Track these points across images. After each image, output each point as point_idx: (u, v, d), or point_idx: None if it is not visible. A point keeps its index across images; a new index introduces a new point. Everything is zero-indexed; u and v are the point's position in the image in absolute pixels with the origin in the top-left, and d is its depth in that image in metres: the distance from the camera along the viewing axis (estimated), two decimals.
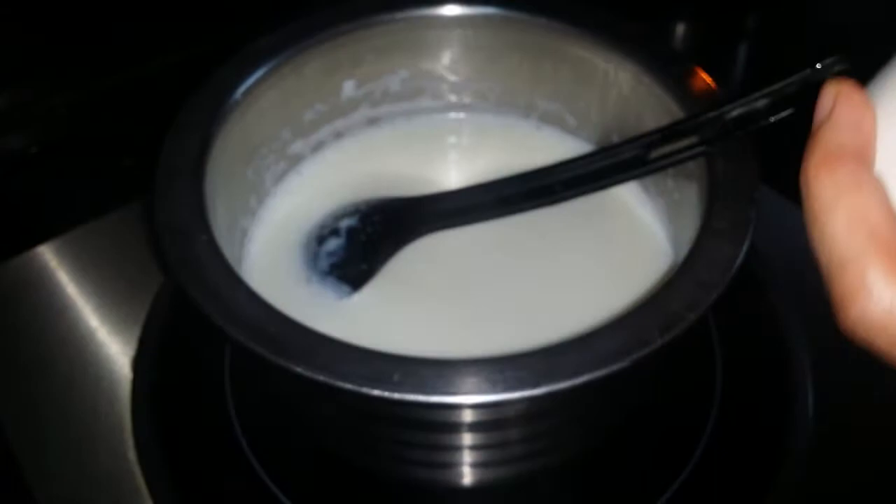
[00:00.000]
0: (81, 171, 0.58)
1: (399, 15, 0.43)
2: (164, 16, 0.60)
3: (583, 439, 0.41)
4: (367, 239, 0.42)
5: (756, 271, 0.45)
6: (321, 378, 0.29)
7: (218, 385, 0.42)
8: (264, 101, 0.41)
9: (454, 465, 0.40)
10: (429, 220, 0.42)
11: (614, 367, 0.29)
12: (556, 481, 0.40)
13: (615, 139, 0.45)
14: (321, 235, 0.42)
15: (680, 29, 0.73)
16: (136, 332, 0.45)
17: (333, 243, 0.42)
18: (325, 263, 0.41)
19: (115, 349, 0.45)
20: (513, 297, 0.40)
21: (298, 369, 0.29)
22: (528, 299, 0.40)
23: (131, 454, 0.41)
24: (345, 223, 0.42)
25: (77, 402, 0.43)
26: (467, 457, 0.39)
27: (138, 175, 0.56)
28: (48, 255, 0.50)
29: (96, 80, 0.60)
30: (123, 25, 0.58)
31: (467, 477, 0.40)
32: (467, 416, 0.35)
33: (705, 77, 0.40)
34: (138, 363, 0.43)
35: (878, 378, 0.42)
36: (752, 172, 0.35)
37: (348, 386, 0.29)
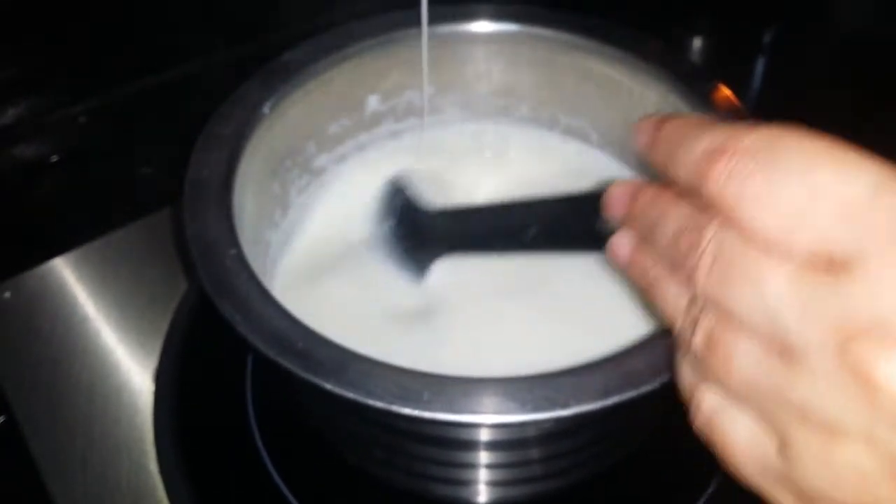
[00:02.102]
0: (100, 181, 0.58)
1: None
2: (182, 26, 0.60)
3: (605, 459, 0.40)
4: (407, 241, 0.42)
5: None
6: (350, 395, 0.29)
7: (239, 397, 0.42)
8: (291, 114, 0.41)
9: (474, 483, 0.40)
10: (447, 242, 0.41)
11: (644, 389, 0.29)
12: (578, 500, 0.40)
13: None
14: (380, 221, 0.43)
15: (697, 44, 0.73)
16: (157, 344, 0.45)
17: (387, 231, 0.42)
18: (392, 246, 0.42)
19: (137, 360, 0.45)
20: (537, 318, 0.40)
21: (328, 386, 0.29)
22: (552, 319, 0.40)
23: (153, 465, 0.41)
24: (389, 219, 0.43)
25: (99, 414, 0.43)
26: (488, 475, 0.39)
27: (157, 184, 0.57)
28: (68, 266, 0.50)
29: (115, 89, 0.60)
30: (142, 35, 0.59)
31: (485, 495, 0.40)
32: (493, 435, 0.34)
33: (730, 95, 0.40)
34: (160, 374, 0.43)
35: None
36: None
37: (378, 404, 0.29)
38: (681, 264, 0.22)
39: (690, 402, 0.23)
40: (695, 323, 0.22)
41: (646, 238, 0.24)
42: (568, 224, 0.33)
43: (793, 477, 0.20)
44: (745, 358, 0.20)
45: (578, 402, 0.29)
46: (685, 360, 0.23)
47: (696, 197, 0.22)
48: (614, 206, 0.26)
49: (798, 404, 0.19)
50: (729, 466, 0.22)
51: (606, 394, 0.29)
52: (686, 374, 0.23)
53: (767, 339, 0.20)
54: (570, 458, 0.39)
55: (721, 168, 0.21)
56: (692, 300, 0.22)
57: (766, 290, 0.19)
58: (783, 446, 0.20)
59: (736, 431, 0.21)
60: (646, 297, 0.25)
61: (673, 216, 0.23)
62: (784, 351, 0.19)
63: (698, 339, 0.22)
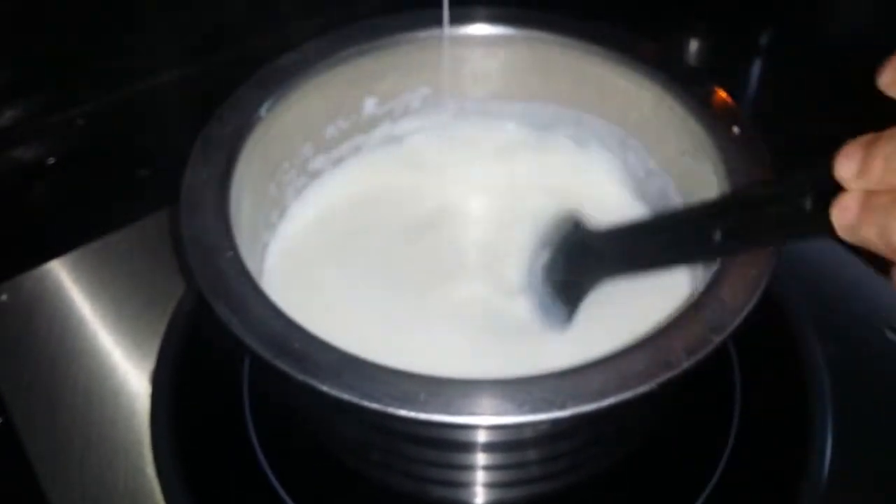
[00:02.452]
0: (97, 183, 0.58)
1: (421, 34, 0.44)
2: (180, 29, 0.60)
3: (603, 460, 0.40)
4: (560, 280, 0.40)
5: (775, 295, 0.45)
6: (347, 397, 0.29)
7: (236, 399, 0.42)
8: (288, 117, 0.41)
9: (472, 485, 0.40)
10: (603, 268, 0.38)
11: (641, 390, 0.29)
12: (575, 502, 0.40)
13: (641, 156, 0.45)
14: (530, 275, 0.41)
15: (693, 46, 0.73)
16: (154, 346, 0.45)
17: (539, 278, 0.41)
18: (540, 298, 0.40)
19: (134, 363, 0.45)
20: (534, 319, 0.40)
21: (324, 388, 0.29)
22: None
23: (149, 468, 0.40)
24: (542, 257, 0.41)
25: (95, 416, 0.43)
26: (485, 476, 0.39)
27: (154, 186, 0.57)
28: (66, 269, 0.50)
29: (113, 91, 0.60)
30: (140, 37, 0.59)
31: (482, 496, 0.40)
32: (490, 437, 0.35)
33: (727, 98, 0.40)
34: (157, 377, 0.43)
35: None
36: None
37: (375, 405, 0.29)
38: None
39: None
40: None
41: (886, 178, 0.24)
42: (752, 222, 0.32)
43: None
44: None
45: (575, 403, 0.29)
46: None
47: None
48: (848, 159, 0.25)
49: None
50: None
51: (603, 395, 0.29)
52: None
53: None
54: (567, 459, 0.39)
55: None
56: None
57: None
58: None
59: None
60: (878, 244, 0.24)
61: None
62: None
63: None
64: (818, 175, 0.26)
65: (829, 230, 0.26)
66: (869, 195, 0.25)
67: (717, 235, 0.32)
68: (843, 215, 0.25)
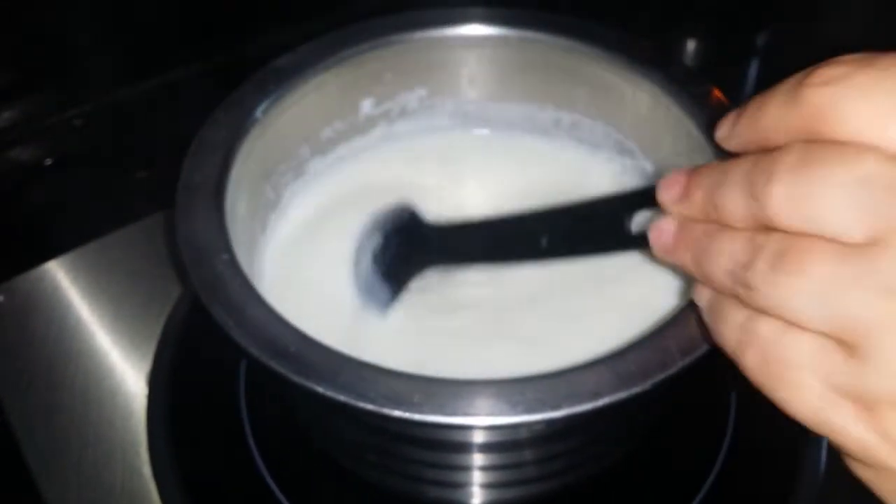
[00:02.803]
0: (95, 184, 0.58)
1: (418, 35, 0.44)
2: (177, 30, 0.60)
3: (598, 461, 0.41)
4: (392, 259, 0.41)
5: None
6: (342, 398, 0.29)
7: (233, 400, 0.42)
8: (284, 119, 0.41)
9: (468, 485, 0.40)
10: (435, 255, 0.40)
11: (635, 390, 0.29)
12: (571, 502, 0.40)
13: (637, 158, 0.45)
14: (359, 254, 0.42)
15: (689, 47, 0.73)
16: (151, 347, 0.45)
17: (366, 260, 0.41)
18: (363, 279, 0.41)
19: (131, 364, 0.45)
20: (529, 320, 0.40)
21: (320, 389, 0.29)
22: (543, 322, 0.40)
23: (146, 469, 0.41)
24: (373, 241, 0.42)
25: (92, 417, 0.43)
26: (481, 477, 0.39)
27: (152, 188, 0.57)
28: (63, 270, 0.50)
29: (110, 92, 0.60)
30: (138, 38, 0.59)
31: (479, 497, 0.40)
32: (485, 438, 0.35)
33: (723, 98, 0.40)
34: (153, 378, 0.43)
35: None
36: None
37: (370, 406, 0.29)
38: (745, 206, 0.22)
39: (740, 345, 0.23)
40: (757, 251, 0.22)
41: (704, 208, 0.25)
42: (585, 229, 0.34)
43: (861, 382, 0.21)
44: (820, 255, 0.21)
45: (570, 403, 0.29)
46: (730, 306, 0.24)
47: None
48: (671, 186, 0.26)
49: (881, 287, 0.20)
50: (789, 395, 0.22)
51: (598, 395, 0.29)
52: (733, 319, 0.24)
53: (846, 231, 0.20)
54: (562, 460, 0.39)
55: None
56: (752, 237, 0.22)
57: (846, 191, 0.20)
58: (853, 350, 0.21)
59: (800, 351, 0.22)
60: (691, 268, 0.26)
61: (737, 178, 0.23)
62: (867, 240, 0.20)
63: (765, 259, 0.22)
64: (642, 195, 0.28)
65: (647, 248, 0.28)
66: (687, 222, 0.26)
67: (545, 241, 0.34)
68: (659, 236, 0.27)
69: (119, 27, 0.58)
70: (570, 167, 0.47)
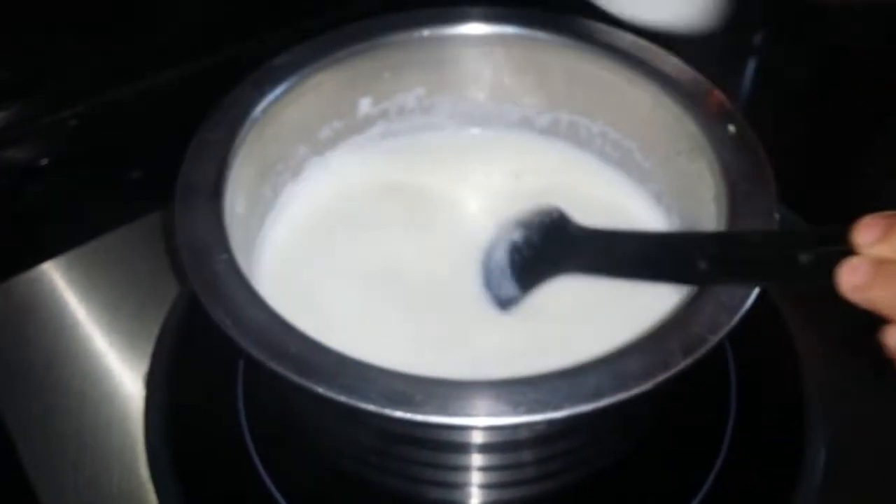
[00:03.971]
0: (91, 185, 0.58)
1: (415, 34, 0.44)
2: (173, 30, 0.60)
3: (598, 461, 0.40)
4: (524, 260, 0.40)
5: (772, 296, 0.45)
6: (342, 398, 0.29)
7: (231, 401, 0.42)
8: (282, 118, 0.41)
9: (467, 486, 0.40)
10: (581, 259, 0.39)
11: (637, 390, 0.29)
12: (570, 502, 0.40)
13: (636, 157, 0.45)
14: (493, 247, 0.41)
15: (688, 45, 0.73)
16: (148, 348, 0.45)
17: (497, 260, 0.41)
18: (495, 273, 0.40)
19: (127, 365, 0.45)
20: (531, 319, 0.40)
21: (319, 389, 0.29)
22: (545, 321, 0.40)
23: (144, 471, 0.40)
24: (513, 236, 0.41)
25: (89, 419, 0.43)
26: (481, 477, 0.39)
27: (147, 188, 0.57)
28: (59, 271, 0.50)
29: (105, 92, 0.60)
30: (132, 39, 0.59)
31: (478, 497, 0.40)
32: (486, 438, 0.34)
33: (722, 97, 0.40)
34: (151, 379, 0.43)
35: (892, 402, 0.43)
36: (771, 193, 0.36)
37: (370, 407, 0.29)
38: None
39: None
40: None
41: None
42: (749, 258, 0.33)
43: None
44: None
45: (571, 404, 0.29)
46: None
47: None
48: (870, 228, 0.27)
49: None
50: None
51: (598, 395, 0.29)
52: None
53: None
54: (562, 460, 0.39)
55: None
56: None
57: None
58: None
59: None
60: (886, 304, 0.27)
61: None
62: None
63: None
64: (825, 234, 0.29)
65: (820, 284, 0.28)
66: (882, 260, 0.27)
67: (703, 264, 0.33)
68: (853, 275, 0.27)
69: (113, 26, 0.58)
70: (567, 167, 0.47)
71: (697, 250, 0.34)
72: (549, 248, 0.40)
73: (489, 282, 0.40)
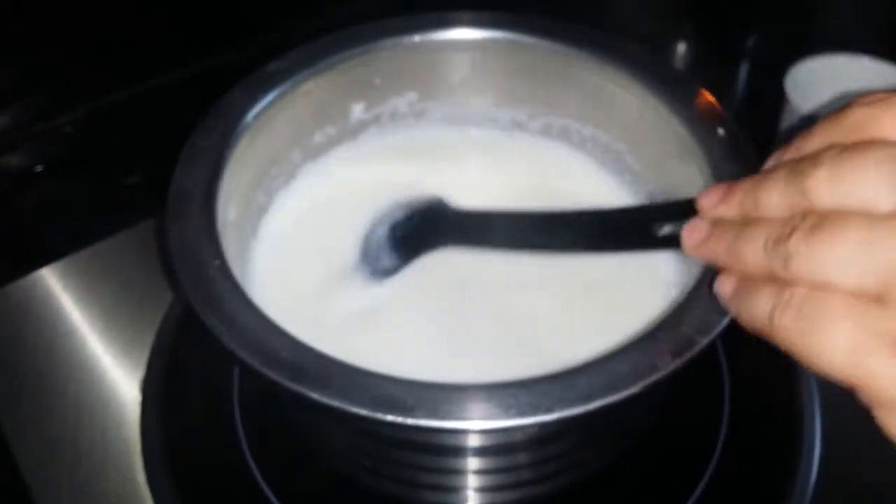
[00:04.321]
0: (86, 190, 0.58)
1: (407, 39, 0.44)
2: (167, 36, 0.60)
3: (592, 463, 0.41)
4: (402, 235, 0.42)
5: None
6: (335, 403, 0.29)
7: (226, 407, 0.42)
8: (275, 124, 0.41)
9: (462, 489, 0.40)
10: (457, 234, 0.42)
11: (627, 392, 0.29)
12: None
13: (626, 159, 0.45)
14: (375, 224, 0.43)
15: (680, 49, 0.74)
16: (143, 354, 0.45)
17: (378, 235, 0.43)
18: (373, 246, 0.42)
19: (123, 371, 0.45)
20: (520, 321, 0.40)
21: (313, 395, 0.29)
22: (534, 323, 0.40)
23: (140, 476, 0.40)
24: (389, 220, 0.43)
25: (85, 425, 0.43)
26: (475, 481, 0.39)
27: (143, 193, 0.57)
28: (54, 277, 0.50)
29: (101, 98, 0.60)
30: (127, 44, 0.59)
31: (473, 501, 0.40)
32: (479, 441, 0.35)
33: (712, 100, 0.40)
34: (147, 385, 0.43)
35: None
36: None
37: (363, 411, 0.29)
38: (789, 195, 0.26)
39: (774, 311, 0.25)
40: (794, 227, 0.25)
41: (742, 205, 0.28)
42: (611, 230, 0.36)
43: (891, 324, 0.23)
44: (854, 221, 0.23)
45: (562, 406, 0.29)
46: (759, 284, 0.27)
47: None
48: (711, 192, 0.30)
49: None
50: (823, 346, 0.24)
51: (590, 398, 0.29)
52: (763, 294, 0.26)
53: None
54: (556, 463, 0.39)
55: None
56: (789, 219, 0.25)
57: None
58: (887, 298, 0.23)
59: (834, 304, 0.24)
60: (721, 257, 0.29)
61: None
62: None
63: (802, 230, 0.25)
64: (680, 205, 0.32)
65: (674, 249, 0.32)
66: (720, 221, 0.29)
67: (567, 238, 0.37)
68: (691, 233, 0.31)
69: (108, 33, 0.58)
70: (559, 170, 0.47)
71: (563, 227, 0.37)
72: (424, 226, 0.42)
73: (366, 255, 0.42)
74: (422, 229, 0.42)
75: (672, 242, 0.32)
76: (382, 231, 0.42)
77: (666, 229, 0.32)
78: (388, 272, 0.41)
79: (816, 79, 0.57)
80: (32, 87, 0.58)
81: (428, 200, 0.43)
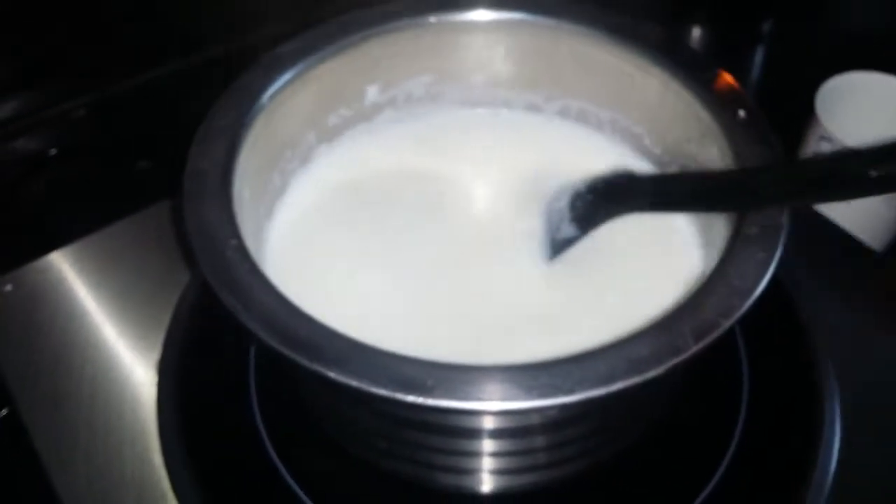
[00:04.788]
0: (100, 173, 0.58)
1: (423, 20, 0.43)
2: (179, 20, 0.60)
3: (609, 447, 0.40)
4: (583, 206, 0.41)
5: (783, 284, 0.45)
6: (354, 384, 0.29)
7: (243, 388, 0.42)
8: (290, 105, 0.41)
9: (478, 471, 0.40)
10: (639, 199, 0.40)
11: (648, 375, 0.29)
12: (580, 489, 0.40)
13: (645, 142, 0.45)
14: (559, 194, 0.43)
15: (696, 33, 0.73)
16: (159, 336, 0.45)
17: (559, 206, 0.42)
18: (554, 217, 0.42)
19: (139, 353, 0.45)
20: (543, 302, 0.40)
21: (332, 374, 0.29)
22: (557, 304, 0.40)
23: (157, 457, 0.40)
24: (570, 191, 0.42)
25: (101, 406, 0.43)
26: (491, 463, 0.39)
27: (155, 177, 0.57)
28: (69, 259, 0.50)
29: (113, 82, 0.60)
30: (140, 28, 0.59)
31: (489, 483, 0.40)
32: (496, 423, 0.34)
33: (732, 82, 0.40)
34: (163, 366, 0.43)
35: None
36: None
37: (382, 391, 0.29)
38: None
39: None
40: None
41: None
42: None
43: None
44: None
45: (583, 388, 0.29)
46: None
47: None
48: None
49: None
50: None
51: (611, 380, 0.29)
52: None
53: None
54: (573, 447, 0.39)
55: None
56: None
57: None
58: None
59: None
60: None
61: None
62: None
63: None
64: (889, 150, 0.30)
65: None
66: None
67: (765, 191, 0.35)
68: None
69: (121, 17, 0.58)
70: (577, 153, 0.47)
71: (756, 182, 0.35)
72: (608, 195, 0.41)
73: (549, 226, 0.42)
74: (603, 198, 0.41)
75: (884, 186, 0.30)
76: (564, 202, 0.42)
77: (874, 174, 0.30)
78: (568, 243, 0.41)
79: (844, 97, 0.56)
80: (45, 72, 0.58)
81: (611, 172, 0.42)
